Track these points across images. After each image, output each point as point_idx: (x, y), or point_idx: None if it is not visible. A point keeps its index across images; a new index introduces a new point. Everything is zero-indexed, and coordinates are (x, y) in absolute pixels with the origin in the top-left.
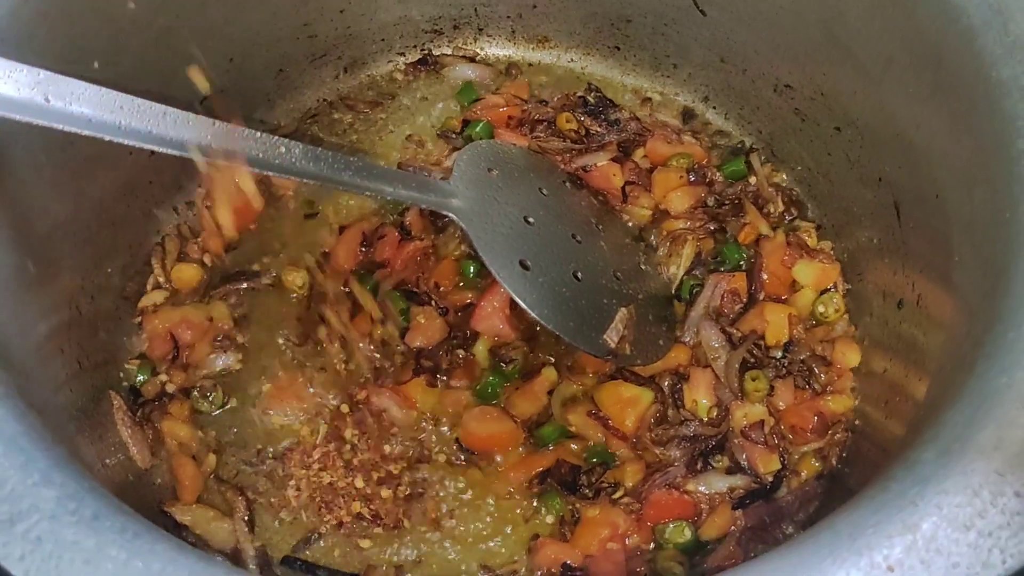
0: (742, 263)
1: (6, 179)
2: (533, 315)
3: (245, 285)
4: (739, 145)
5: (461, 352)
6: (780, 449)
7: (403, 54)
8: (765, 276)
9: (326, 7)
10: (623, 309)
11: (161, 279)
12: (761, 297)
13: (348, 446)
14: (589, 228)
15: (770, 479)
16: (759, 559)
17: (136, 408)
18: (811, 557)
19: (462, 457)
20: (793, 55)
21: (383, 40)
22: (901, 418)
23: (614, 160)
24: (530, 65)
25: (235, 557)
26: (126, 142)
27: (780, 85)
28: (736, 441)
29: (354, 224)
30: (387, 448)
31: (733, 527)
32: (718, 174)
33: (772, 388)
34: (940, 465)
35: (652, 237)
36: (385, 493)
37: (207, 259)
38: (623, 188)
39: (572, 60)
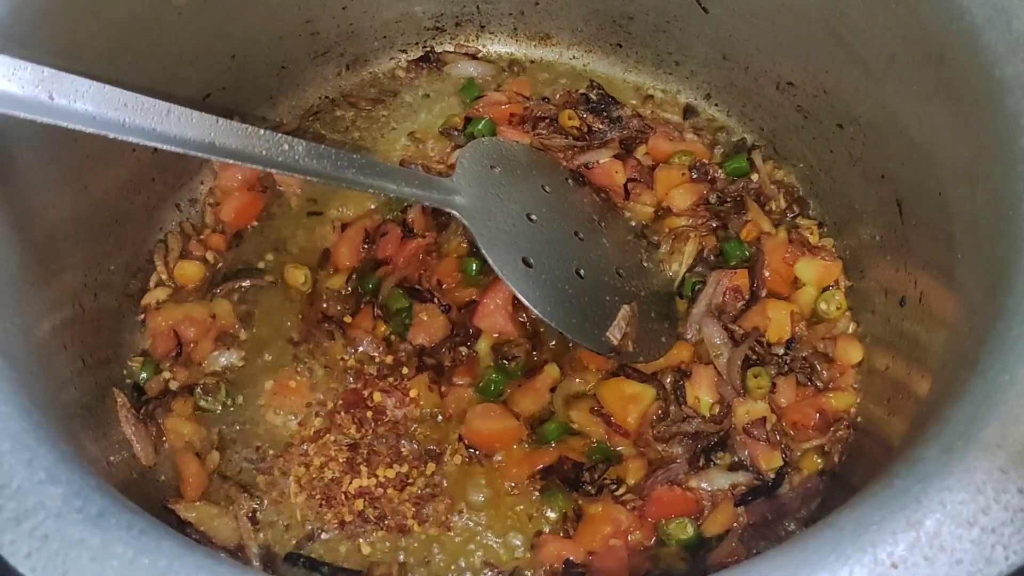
0: (744, 260)
1: (10, 176)
2: (536, 312)
3: (248, 282)
4: (741, 142)
5: (464, 349)
6: (782, 446)
7: (405, 51)
8: (767, 273)
9: (328, 4)
10: (625, 306)
11: (164, 276)
12: (763, 294)
13: (350, 443)
14: (591, 225)
15: (772, 476)
16: (762, 556)
17: (140, 405)
18: (814, 554)
19: (465, 454)
20: (795, 52)
21: (385, 37)
22: (903, 415)
23: (616, 157)
24: (532, 62)
25: (239, 554)
26: (130, 140)
27: (782, 82)
28: (738, 438)
29: (356, 221)
30: (389, 446)
31: (735, 524)
32: (720, 171)
33: (774, 385)
34: (943, 462)
35: (654, 234)
36: (393, 494)
37: (210, 256)
38: (625, 185)
39: (574, 57)
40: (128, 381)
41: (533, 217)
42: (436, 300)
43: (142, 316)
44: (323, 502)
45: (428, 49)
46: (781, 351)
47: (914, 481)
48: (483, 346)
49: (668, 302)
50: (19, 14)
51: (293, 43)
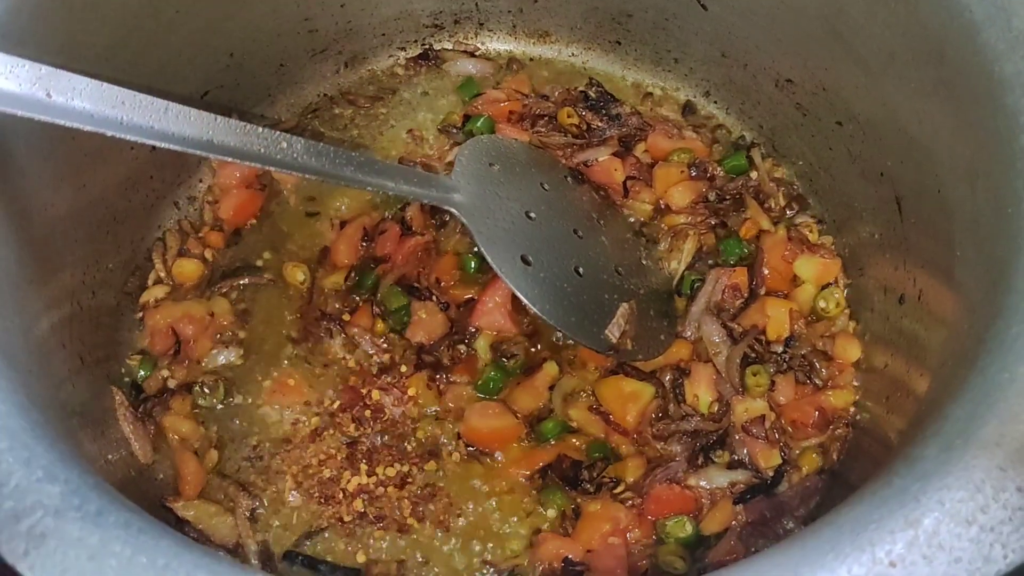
0: (743, 258)
1: (8, 174)
2: (534, 310)
3: (246, 280)
4: (740, 140)
5: (462, 347)
6: (781, 444)
7: (404, 49)
8: (766, 271)
9: (327, 2)
10: (624, 304)
11: (162, 274)
12: (762, 292)
13: (348, 442)
14: (590, 223)
15: (771, 474)
16: (761, 554)
17: (138, 403)
18: (813, 552)
19: (464, 452)
20: (794, 50)
21: (384, 35)
22: (902, 413)
23: (615, 155)
24: (531, 60)
25: (237, 552)
26: (128, 137)
27: (781, 80)
28: (737, 436)
29: (355, 219)
30: (388, 444)
31: (734, 522)
32: (719, 169)
33: (773, 383)
34: (942, 461)
35: (654, 232)
36: (392, 492)
37: (208, 254)
38: (624, 183)
39: (573, 55)
40: (126, 379)
41: (532, 215)
42: (435, 298)
43: (140, 314)
44: (321, 500)
45: (427, 47)
46: (780, 349)
47: (913, 479)
48: (482, 344)
49: (667, 300)
50: (17, 12)
51: (292, 41)
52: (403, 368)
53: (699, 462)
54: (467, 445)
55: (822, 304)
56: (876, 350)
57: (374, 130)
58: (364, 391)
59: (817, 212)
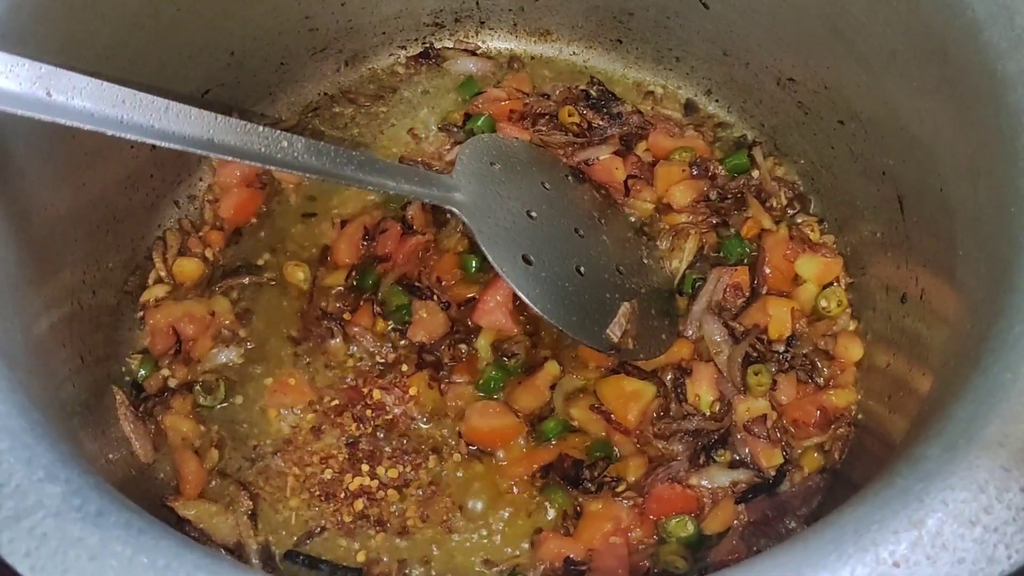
0: (745, 257)
1: (7, 174)
2: (536, 310)
3: (247, 279)
4: (742, 139)
5: (463, 347)
6: (783, 443)
7: (404, 47)
8: (768, 270)
9: (327, 0)
10: (626, 303)
11: (163, 273)
12: (764, 291)
13: (349, 441)
14: (591, 222)
15: (773, 473)
16: (763, 554)
17: (138, 403)
18: (816, 553)
19: (465, 452)
20: (796, 48)
21: (384, 33)
22: (904, 413)
23: (616, 154)
24: (532, 58)
25: (238, 552)
26: (128, 136)
27: (783, 78)
28: (739, 435)
29: (356, 218)
30: (389, 444)
31: (736, 521)
32: (721, 168)
33: (775, 382)
34: (945, 461)
35: (655, 231)
36: (392, 492)
37: (209, 253)
38: (625, 182)
39: (574, 53)
40: (127, 379)
41: (533, 214)
42: (436, 297)
43: (141, 313)
44: (322, 500)
45: (427, 45)
46: (782, 348)
47: (916, 480)
48: (483, 343)
49: (668, 299)
50: (17, 10)
51: (292, 39)
52: (404, 367)
53: (701, 461)
54: (468, 444)
55: (824, 303)
56: (878, 349)
57: (375, 129)
58: (365, 390)
59: (819, 211)
